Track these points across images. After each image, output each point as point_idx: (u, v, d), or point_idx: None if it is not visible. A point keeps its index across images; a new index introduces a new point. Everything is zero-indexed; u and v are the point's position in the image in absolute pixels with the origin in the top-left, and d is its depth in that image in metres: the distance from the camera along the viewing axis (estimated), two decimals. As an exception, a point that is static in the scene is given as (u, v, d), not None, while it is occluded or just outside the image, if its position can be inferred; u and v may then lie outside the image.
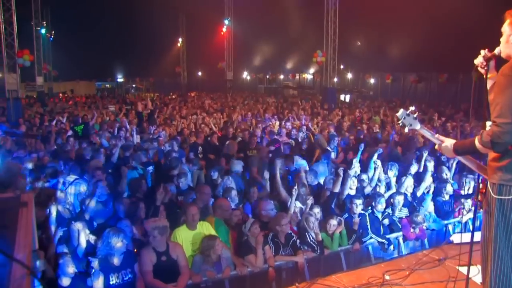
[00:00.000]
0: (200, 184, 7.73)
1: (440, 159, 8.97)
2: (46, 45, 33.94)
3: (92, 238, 5.61)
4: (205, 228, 5.88)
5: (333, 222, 6.46)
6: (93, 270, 4.91)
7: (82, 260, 5.35)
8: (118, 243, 5.02)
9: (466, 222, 7.22)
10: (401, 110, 3.60)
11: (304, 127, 13.18)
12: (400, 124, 3.63)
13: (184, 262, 5.30)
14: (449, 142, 3.44)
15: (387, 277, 4.52)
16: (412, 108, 3.61)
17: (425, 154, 8.50)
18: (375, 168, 7.93)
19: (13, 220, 1.71)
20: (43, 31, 32.60)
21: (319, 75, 31.66)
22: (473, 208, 7.39)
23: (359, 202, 6.78)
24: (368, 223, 6.78)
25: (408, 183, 7.63)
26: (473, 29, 17.64)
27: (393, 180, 7.80)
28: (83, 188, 6.82)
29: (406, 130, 3.71)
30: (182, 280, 5.12)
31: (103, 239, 5.09)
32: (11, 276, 1.32)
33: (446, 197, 7.74)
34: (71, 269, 4.83)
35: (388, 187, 7.77)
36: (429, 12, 20.47)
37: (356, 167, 7.93)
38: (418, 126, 3.58)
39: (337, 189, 7.27)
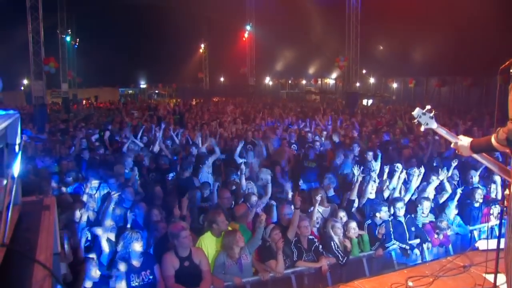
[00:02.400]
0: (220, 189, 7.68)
1: (467, 164, 8.81)
2: (71, 52, 34.53)
3: (111, 238, 5.71)
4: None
5: (353, 225, 6.43)
6: (117, 274, 4.98)
7: (105, 264, 5.43)
8: (136, 244, 5.08)
9: (492, 228, 7.07)
10: (417, 109, 3.56)
11: (325, 132, 13.10)
12: (416, 123, 3.60)
13: (206, 267, 5.32)
14: (465, 140, 3.39)
15: (410, 284, 4.44)
16: (428, 106, 3.57)
17: (454, 164, 8.34)
18: (394, 172, 7.87)
19: (35, 223, 1.74)
20: (68, 39, 33.19)
21: (341, 80, 31.52)
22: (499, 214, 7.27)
23: (384, 209, 6.72)
24: (391, 229, 6.71)
25: (430, 189, 7.53)
26: (497, 32, 17.36)
27: (414, 184, 7.70)
28: (114, 194, 6.90)
29: (422, 128, 3.66)
30: (204, 285, 5.13)
31: (122, 241, 5.16)
32: (33, 277, 1.34)
33: (477, 204, 7.61)
34: (96, 273, 4.90)
35: (406, 191, 7.69)
36: (453, 15, 20.20)
37: (376, 171, 7.90)
38: (434, 125, 3.53)
39: (353, 196, 7.22)
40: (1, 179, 1.43)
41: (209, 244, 5.71)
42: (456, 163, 8.24)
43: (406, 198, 7.39)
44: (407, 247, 6.60)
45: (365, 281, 4.72)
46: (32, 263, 1.37)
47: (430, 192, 7.55)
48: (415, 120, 3.56)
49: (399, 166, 7.85)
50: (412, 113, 3.59)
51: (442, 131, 3.60)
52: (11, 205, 1.45)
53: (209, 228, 5.86)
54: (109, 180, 7.63)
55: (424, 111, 3.52)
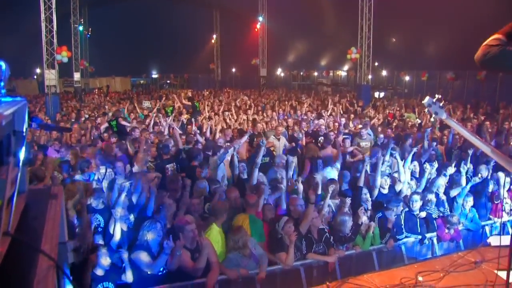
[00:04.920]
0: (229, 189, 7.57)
1: (479, 158, 8.72)
2: (83, 42, 34.62)
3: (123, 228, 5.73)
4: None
5: (363, 218, 6.41)
6: (123, 264, 5.00)
7: (116, 251, 5.44)
8: (151, 234, 5.10)
9: (504, 224, 7.00)
10: (427, 98, 3.46)
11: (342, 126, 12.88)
12: (427, 112, 3.52)
13: (214, 258, 5.34)
14: None
15: (420, 278, 4.39)
16: (438, 96, 3.48)
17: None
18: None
19: (42, 212, 1.72)
20: (80, 28, 33.24)
21: (353, 72, 31.28)
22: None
23: (398, 206, 6.69)
24: (403, 222, 6.67)
25: (441, 182, 7.47)
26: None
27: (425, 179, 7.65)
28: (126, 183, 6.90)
29: (432, 119, 3.59)
30: (212, 275, 5.14)
31: (140, 230, 5.19)
32: (37, 267, 1.32)
33: (484, 199, 7.55)
34: (106, 261, 4.92)
35: (418, 185, 7.67)
36: (466, 8, 19.92)
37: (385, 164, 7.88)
38: (444, 115, 3.44)
39: (361, 183, 7.18)
40: (7, 166, 1.41)
41: (215, 236, 5.74)
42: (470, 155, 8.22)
43: (420, 192, 7.33)
44: (419, 237, 6.57)
45: (375, 275, 4.67)
46: (37, 253, 1.35)
47: (441, 186, 7.49)
48: (426, 110, 3.47)
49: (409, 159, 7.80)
50: (423, 101, 3.50)
51: (451, 122, 3.53)
52: (16, 193, 1.43)
53: (214, 219, 5.89)
54: (118, 169, 7.62)
55: (434, 99, 3.43)
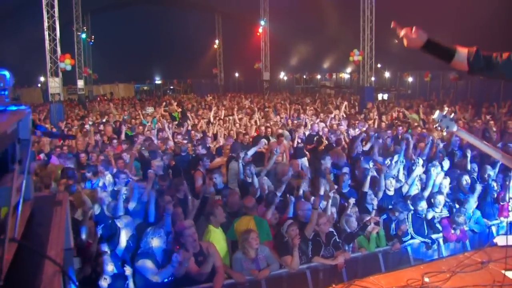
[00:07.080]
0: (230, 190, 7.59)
1: (484, 158, 8.70)
2: (86, 49, 34.76)
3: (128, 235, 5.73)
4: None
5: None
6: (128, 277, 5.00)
7: (121, 259, 5.44)
8: (157, 241, 5.09)
9: (511, 224, 6.96)
10: (437, 112, 3.45)
11: (342, 128, 12.87)
12: (438, 127, 3.48)
13: (219, 261, 5.34)
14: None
15: (426, 280, 4.38)
16: (447, 108, 3.50)
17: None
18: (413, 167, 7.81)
19: (47, 219, 1.74)
20: (83, 36, 33.39)
21: (356, 74, 31.25)
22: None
23: (405, 212, 6.68)
24: (409, 224, 6.66)
25: (445, 182, 7.46)
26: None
27: (432, 181, 7.63)
28: (125, 188, 6.90)
29: (444, 133, 3.56)
30: (218, 279, 5.14)
31: (144, 237, 5.18)
32: (43, 273, 1.33)
33: (490, 199, 7.52)
34: (110, 267, 4.91)
35: (425, 187, 7.64)
36: (469, 8, 19.87)
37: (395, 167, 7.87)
38: (454, 128, 3.43)
39: (366, 189, 7.18)
40: (13, 174, 1.43)
41: (216, 237, 5.77)
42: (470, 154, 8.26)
43: (425, 194, 7.30)
44: (429, 241, 6.54)
45: (381, 276, 4.66)
46: (43, 259, 1.37)
47: (445, 185, 7.49)
48: (437, 124, 3.45)
49: (420, 161, 7.77)
50: (433, 117, 3.50)
51: (463, 134, 3.53)
52: (22, 200, 1.45)
53: (207, 221, 5.92)
54: (119, 175, 7.62)
55: (444, 113, 3.42)
